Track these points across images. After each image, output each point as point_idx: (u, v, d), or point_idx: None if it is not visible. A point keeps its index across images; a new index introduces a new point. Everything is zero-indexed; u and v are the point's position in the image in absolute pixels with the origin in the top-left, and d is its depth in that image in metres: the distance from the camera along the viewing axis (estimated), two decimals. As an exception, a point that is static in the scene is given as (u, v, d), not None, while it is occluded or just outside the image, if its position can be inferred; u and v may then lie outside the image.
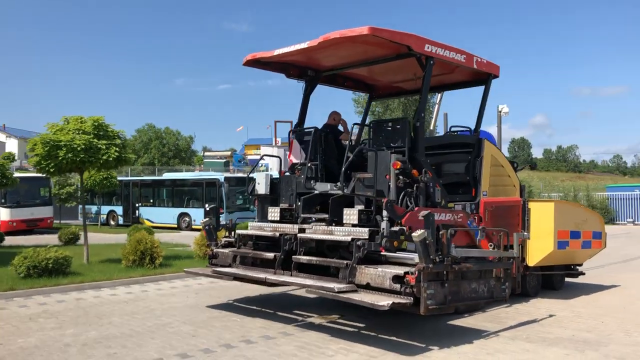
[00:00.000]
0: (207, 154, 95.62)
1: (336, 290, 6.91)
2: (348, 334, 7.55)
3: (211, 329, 7.81)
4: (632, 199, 34.10)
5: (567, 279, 11.33)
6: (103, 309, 9.13)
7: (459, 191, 9.08)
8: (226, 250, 9.50)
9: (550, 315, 8.66)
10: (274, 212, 8.90)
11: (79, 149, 12.39)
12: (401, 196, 7.79)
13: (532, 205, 9.77)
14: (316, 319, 8.39)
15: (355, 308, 8.82)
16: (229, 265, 9.24)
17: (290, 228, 8.32)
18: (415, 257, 6.66)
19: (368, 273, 6.94)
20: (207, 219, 10.09)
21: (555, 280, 10.76)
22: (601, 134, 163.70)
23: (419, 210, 7.82)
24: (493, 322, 8.30)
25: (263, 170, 52.14)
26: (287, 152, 9.64)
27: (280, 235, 8.23)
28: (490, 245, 7.75)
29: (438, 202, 8.17)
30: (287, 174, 9.51)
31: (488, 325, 8.04)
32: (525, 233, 8.36)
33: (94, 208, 33.97)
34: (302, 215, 8.50)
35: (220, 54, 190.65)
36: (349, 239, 7.29)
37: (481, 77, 9.66)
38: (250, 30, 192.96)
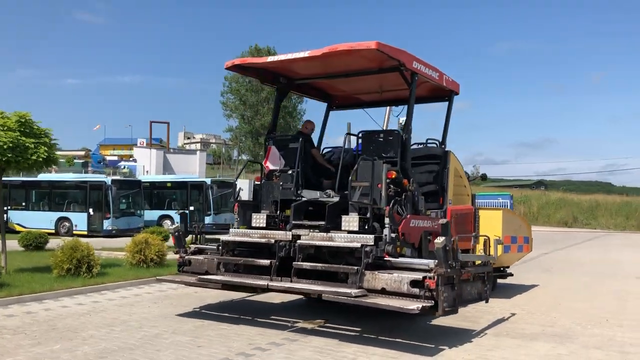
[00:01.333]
0: (56, 152, 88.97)
1: (353, 295, 7.13)
2: (352, 337, 7.77)
3: (209, 338, 7.63)
4: (495, 206, 37.57)
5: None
6: (68, 322, 8.47)
7: (428, 200, 9.68)
8: (201, 257, 9.28)
9: (512, 314, 9.55)
10: (259, 219, 8.86)
11: (5, 147, 11.29)
12: (391, 204, 8.21)
13: (481, 212, 10.66)
14: (305, 324, 8.47)
15: (338, 313, 9.12)
16: (206, 273, 9.03)
17: (283, 235, 8.34)
18: (430, 263, 7.08)
19: (382, 278, 7.23)
20: (177, 224, 9.80)
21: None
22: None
23: (411, 218, 8.32)
24: (466, 321, 8.97)
25: (125, 172, 49.96)
26: (264, 159, 9.61)
27: (276, 241, 8.24)
28: (481, 251, 8.41)
29: (420, 210, 8.72)
30: (263, 180, 9.49)
31: (466, 325, 8.70)
32: (501, 239, 9.15)
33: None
34: (293, 222, 8.56)
35: (69, 46, 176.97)
36: (358, 245, 7.53)
37: (443, 93, 10.34)
38: (105, 22, 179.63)
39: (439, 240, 6.86)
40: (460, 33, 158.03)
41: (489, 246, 8.47)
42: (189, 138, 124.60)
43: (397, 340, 7.61)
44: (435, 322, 8.84)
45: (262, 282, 8.07)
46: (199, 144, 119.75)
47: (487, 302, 8.44)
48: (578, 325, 8.79)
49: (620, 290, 12.50)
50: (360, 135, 9.15)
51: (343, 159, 10.17)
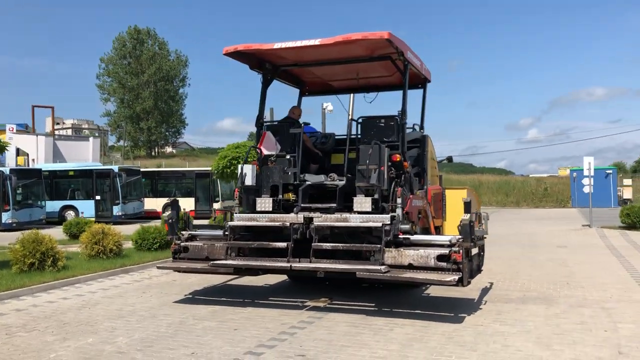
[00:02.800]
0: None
1: (383, 271, 7.60)
2: (373, 312, 8.22)
3: (236, 322, 7.72)
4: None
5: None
6: (72, 316, 8.14)
7: None
8: (199, 243, 9.25)
9: (490, 283, 10.47)
10: (264, 203, 8.97)
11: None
12: (392, 186, 8.77)
13: (448, 192, 11.53)
14: (315, 303, 8.80)
15: (339, 291, 9.54)
16: (206, 258, 9.03)
17: (294, 218, 8.55)
18: (452, 238, 7.72)
19: (409, 254, 7.75)
20: (169, 212, 9.64)
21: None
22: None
23: (413, 198, 8.91)
24: (452, 291, 9.59)
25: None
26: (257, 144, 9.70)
27: (291, 224, 8.45)
28: (480, 225, 9.17)
29: (413, 191, 9.34)
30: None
31: (457, 295, 9.36)
32: (485, 213, 9.97)
33: None
34: (301, 205, 8.81)
35: None
36: (379, 224, 7.96)
37: (418, 81, 10.94)
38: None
39: (466, 216, 7.51)
40: (335, 22, 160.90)
41: (484, 221, 9.27)
42: (58, 124, 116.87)
43: (415, 311, 8.16)
44: (432, 294, 9.55)
45: (283, 264, 8.25)
46: (70, 130, 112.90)
47: (481, 272, 9.25)
48: (549, 289, 9.89)
49: (555, 258, 14.02)
50: (360, 120, 9.52)
51: (325, 143, 10.58)
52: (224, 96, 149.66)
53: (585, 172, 21.12)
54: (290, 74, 11.11)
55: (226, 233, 9.00)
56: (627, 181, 39.81)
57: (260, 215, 8.87)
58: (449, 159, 12.39)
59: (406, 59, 9.13)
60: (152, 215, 33.00)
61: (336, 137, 10.74)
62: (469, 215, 7.57)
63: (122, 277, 11.53)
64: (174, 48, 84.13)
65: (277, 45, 8.74)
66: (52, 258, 11.04)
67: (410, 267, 7.73)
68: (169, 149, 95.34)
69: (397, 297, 9.27)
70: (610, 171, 37.18)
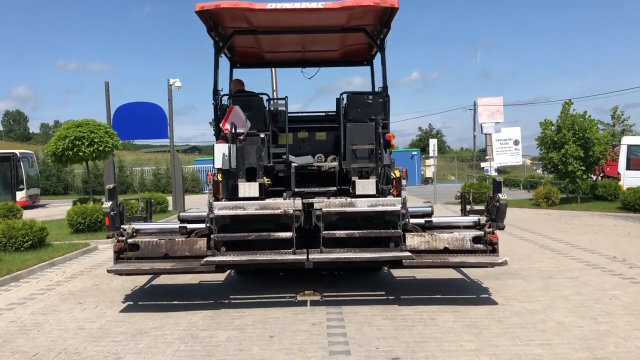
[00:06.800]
0: None
1: (413, 256, 7.14)
2: (387, 301, 7.68)
3: (258, 328, 6.57)
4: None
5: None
6: (29, 344, 6.18)
7: None
8: (154, 239, 7.69)
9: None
10: (249, 188, 7.73)
11: None
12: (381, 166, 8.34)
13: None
14: (307, 297, 7.94)
15: (320, 282, 8.78)
16: (165, 256, 7.57)
17: (291, 204, 7.52)
18: (480, 219, 7.57)
19: (444, 238, 7.38)
20: (111, 202, 7.79)
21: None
22: (87, 108, 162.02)
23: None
24: (432, 272, 9.43)
25: None
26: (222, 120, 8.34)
27: (294, 211, 7.42)
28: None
29: (390, 170, 8.98)
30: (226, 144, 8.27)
31: (448, 275, 9.18)
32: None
33: None
34: (295, 190, 7.82)
35: None
36: (398, 207, 7.39)
37: (364, 57, 10.43)
38: None
39: (503, 196, 7.34)
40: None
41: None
42: None
43: (433, 296, 7.77)
44: (416, 276, 9.23)
45: (297, 257, 7.19)
46: None
47: None
48: (515, 265, 10.14)
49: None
50: (343, 96, 8.73)
51: (282, 122, 9.62)
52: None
53: (431, 153, 22.75)
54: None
55: (182, 225, 7.83)
56: (429, 161, 43.91)
57: (247, 202, 7.62)
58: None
59: (389, 30, 8.62)
60: None
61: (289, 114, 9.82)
62: (505, 195, 7.44)
63: (18, 287, 9.15)
64: None
65: (269, 6, 7.56)
66: None
67: (446, 250, 7.38)
68: None
69: (374, 282, 8.91)
70: (415, 153, 40.86)
